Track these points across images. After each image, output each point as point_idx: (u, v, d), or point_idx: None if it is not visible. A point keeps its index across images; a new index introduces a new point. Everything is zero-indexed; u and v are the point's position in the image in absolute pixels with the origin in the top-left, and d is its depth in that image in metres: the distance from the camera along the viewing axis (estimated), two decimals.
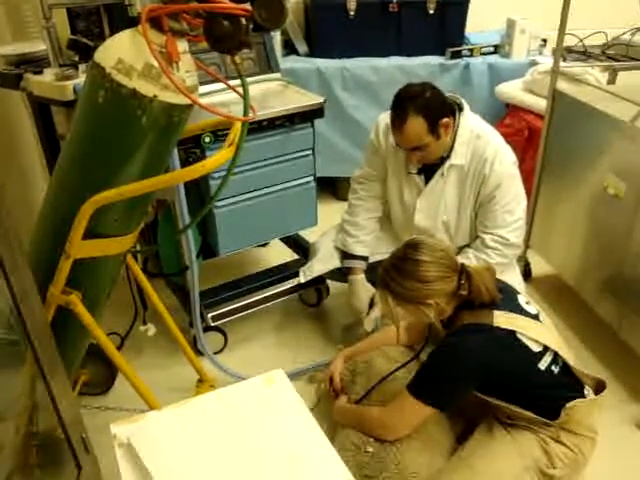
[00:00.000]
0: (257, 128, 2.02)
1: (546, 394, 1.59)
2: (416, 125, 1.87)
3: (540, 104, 2.87)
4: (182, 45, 1.32)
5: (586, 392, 1.64)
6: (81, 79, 1.97)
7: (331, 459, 1.24)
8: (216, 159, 1.37)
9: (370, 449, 1.60)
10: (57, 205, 1.48)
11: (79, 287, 1.50)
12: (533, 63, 3.14)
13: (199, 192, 2.08)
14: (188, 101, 1.33)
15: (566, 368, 1.62)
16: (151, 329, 2.20)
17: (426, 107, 1.86)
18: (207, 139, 1.90)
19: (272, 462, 1.24)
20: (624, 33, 3.13)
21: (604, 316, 2.26)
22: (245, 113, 1.35)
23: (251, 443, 1.28)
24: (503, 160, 1.96)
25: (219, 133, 1.90)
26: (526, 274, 2.72)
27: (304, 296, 2.61)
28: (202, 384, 2.10)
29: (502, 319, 1.53)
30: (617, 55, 3.03)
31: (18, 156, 2.44)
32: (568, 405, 1.57)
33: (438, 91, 1.93)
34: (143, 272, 1.99)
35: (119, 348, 2.29)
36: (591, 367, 2.18)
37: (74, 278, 1.47)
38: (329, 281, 2.50)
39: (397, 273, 1.55)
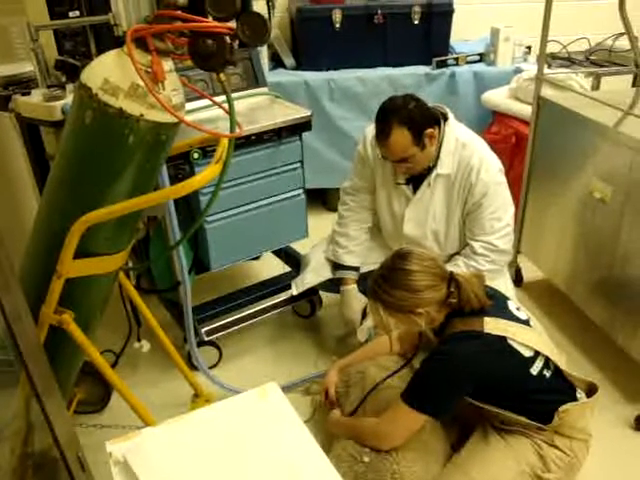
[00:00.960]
0: (245, 143, 2.03)
1: (539, 399, 1.61)
2: (401, 137, 1.89)
3: (526, 111, 2.89)
4: (167, 64, 1.33)
5: (578, 395, 1.66)
6: (69, 99, 1.98)
7: (327, 472, 1.25)
8: (204, 176, 1.39)
9: (366, 459, 1.61)
10: (48, 225, 1.49)
11: (72, 306, 1.50)
12: (518, 70, 3.17)
13: (189, 208, 2.09)
14: (175, 119, 1.34)
15: (558, 372, 1.63)
16: (145, 346, 2.20)
17: (410, 118, 1.89)
18: (196, 155, 1.91)
19: (269, 476, 1.24)
20: (607, 39, 3.18)
21: (595, 319, 2.28)
22: (232, 129, 1.36)
23: (247, 457, 1.28)
24: (489, 168, 1.99)
25: (208, 149, 1.92)
26: (517, 279, 2.74)
27: (297, 308, 2.62)
28: (198, 399, 2.10)
29: (492, 325, 1.55)
30: (600, 61, 3.07)
31: (8, 177, 2.44)
32: (561, 409, 1.58)
33: (421, 102, 1.95)
34: (136, 288, 2.00)
35: (113, 365, 2.29)
36: (583, 369, 2.20)
37: (66, 297, 1.48)
38: (322, 292, 2.51)
39: (386, 283, 1.56)
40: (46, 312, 1.47)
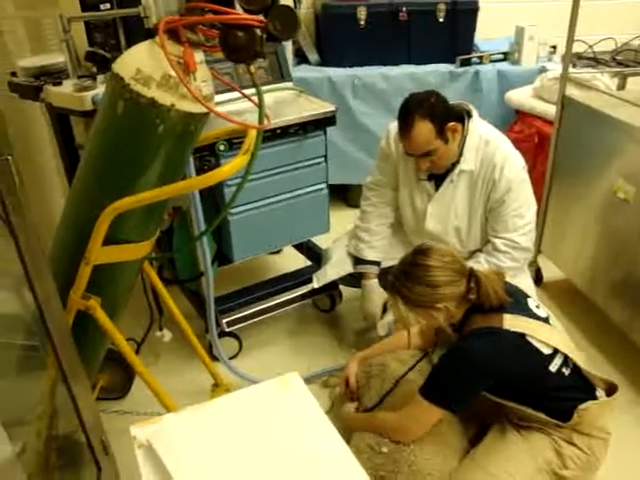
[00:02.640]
0: (270, 136, 2.05)
1: (558, 396, 1.60)
2: (424, 129, 1.89)
3: (549, 110, 2.88)
4: (198, 56, 1.36)
5: (598, 394, 1.65)
6: (99, 90, 2.02)
7: (349, 462, 1.25)
8: (232, 166, 1.41)
9: (384, 449, 1.62)
10: (77, 213, 1.53)
11: (98, 292, 1.54)
12: (542, 70, 3.15)
13: (214, 199, 2.11)
14: (205, 110, 1.37)
15: (577, 370, 1.62)
16: (167, 335, 2.23)
17: (432, 111, 1.90)
18: (222, 147, 1.94)
19: (290, 464, 1.25)
20: (633, 39, 3.14)
21: (615, 320, 2.27)
22: (260, 121, 1.38)
23: (268, 445, 1.29)
24: (512, 165, 1.98)
25: (234, 141, 1.94)
26: (537, 279, 2.73)
27: (318, 302, 2.64)
28: (217, 388, 2.13)
29: (512, 322, 1.55)
30: (626, 61, 3.04)
31: (37, 166, 2.50)
32: (580, 407, 1.58)
33: (443, 97, 1.96)
34: (158, 278, 2.03)
35: (136, 354, 2.32)
36: (601, 369, 2.17)
37: (93, 284, 1.51)
38: (342, 287, 2.53)
39: (407, 278, 1.57)
40: (74, 297, 1.51)
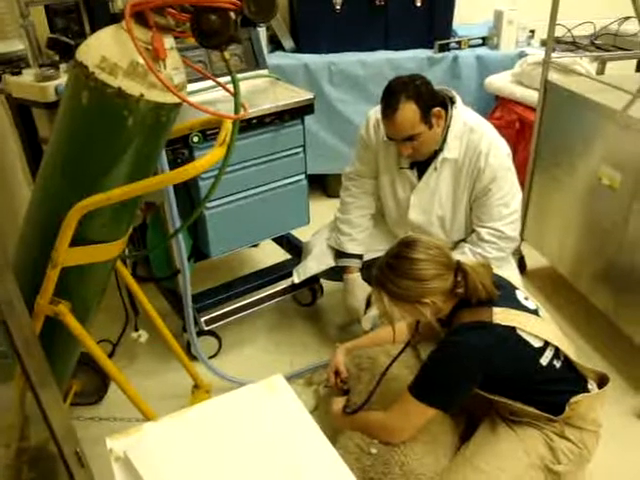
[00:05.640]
0: (246, 126, 1.97)
1: (549, 389, 1.57)
2: (409, 112, 1.83)
3: (530, 96, 2.85)
4: (168, 41, 1.27)
5: (590, 386, 1.62)
6: (63, 79, 1.91)
7: (339, 470, 1.20)
8: (208, 159, 1.32)
9: (374, 450, 1.57)
10: (42, 211, 1.43)
11: (68, 296, 1.45)
12: (522, 54, 3.11)
13: (188, 193, 2.02)
14: (177, 100, 1.28)
15: (568, 363, 1.59)
16: (143, 335, 2.14)
17: (418, 94, 1.83)
18: (195, 139, 1.85)
19: (277, 473, 1.20)
20: (612, 23, 3.12)
21: (601, 307, 2.25)
22: (237, 111, 1.30)
23: (254, 455, 1.23)
24: (498, 153, 1.94)
25: (208, 132, 1.86)
26: (521, 267, 2.69)
27: (298, 296, 2.57)
28: (198, 390, 2.05)
29: (501, 315, 1.50)
30: (605, 45, 3.02)
31: None
32: (572, 400, 1.54)
33: (428, 81, 1.90)
34: (132, 276, 1.94)
35: (110, 356, 2.24)
36: (588, 358, 2.17)
37: (62, 287, 1.42)
38: (323, 280, 2.46)
39: (392, 272, 1.51)
40: (41, 303, 1.41)
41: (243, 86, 2.11)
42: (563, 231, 2.43)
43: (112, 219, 1.43)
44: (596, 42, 3.05)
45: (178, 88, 1.28)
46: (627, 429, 1.97)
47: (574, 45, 3.04)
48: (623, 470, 1.83)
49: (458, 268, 1.53)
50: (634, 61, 3.08)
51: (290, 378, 2.11)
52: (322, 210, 2.70)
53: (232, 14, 1.19)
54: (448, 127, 1.94)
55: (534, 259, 2.72)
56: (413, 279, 1.49)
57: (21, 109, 2.06)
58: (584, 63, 2.78)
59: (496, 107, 3.10)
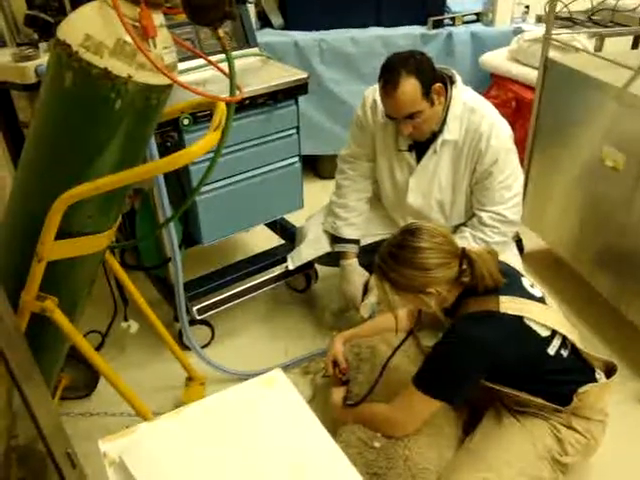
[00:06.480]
0: (238, 107, 1.85)
1: (556, 379, 1.54)
2: (410, 88, 1.75)
3: (527, 73, 2.77)
4: (158, 18, 1.18)
5: (597, 376, 1.58)
6: (43, 59, 1.81)
7: (342, 467, 1.15)
8: (203, 145, 1.24)
9: (377, 444, 1.53)
10: (25, 202, 1.34)
11: (55, 291, 1.37)
12: (517, 31, 3.03)
13: (178, 179, 1.93)
14: (167, 81, 1.19)
15: (575, 352, 1.56)
16: (133, 326, 2.07)
17: (418, 69, 1.75)
18: (186, 121, 1.76)
19: (279, 473, 1.14)
20: None
21: (602, 290, 2.21)
22: (232, 93, 1.22)
23: (255, 453, 1.18)
24: (499, 134, 1.87)
25: (198, 115, 1.77)
26: (519, 250, 2.64)
27: (292, 282, 2.51)
28: (192, 382, 1.99)
29: (509, 305, 1.46)
30: (603, 21, 2.94)
31: None
32: (580, 390, 1.51)
33: (427, 56, 1.82)
34: (121, 265, 1.86)
35: (100, 347, 2.17)
36: (590, 344, 2.13)
37: (48, 282, 1.34)
38: (318, 265, 2.40)
39: (395, 261, 1.45)
40: (27, 299, 1.33)
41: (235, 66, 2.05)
42: (563, 213, 2.38)
43: (100, 210, 1.35)
44: (593, 18, 2.97)
45: (169, 68, 1.19)
46: (629, 415, 1.94)
47: (571, 21, 2.95)
48: (625, 455, 1.80)
49: (463, 255, 1.48)
50: (630, 38, 3.01)
51: (286, 367, 2.06)
52: (315, 192, 2.63)
53: None
54: (448, 107, 1.87)
55: (532, 241, 2.67)
56: (417, 268, 1.44)
57: None
58: (581, 39, 2.71)
59: (492, 85, 3.03)
